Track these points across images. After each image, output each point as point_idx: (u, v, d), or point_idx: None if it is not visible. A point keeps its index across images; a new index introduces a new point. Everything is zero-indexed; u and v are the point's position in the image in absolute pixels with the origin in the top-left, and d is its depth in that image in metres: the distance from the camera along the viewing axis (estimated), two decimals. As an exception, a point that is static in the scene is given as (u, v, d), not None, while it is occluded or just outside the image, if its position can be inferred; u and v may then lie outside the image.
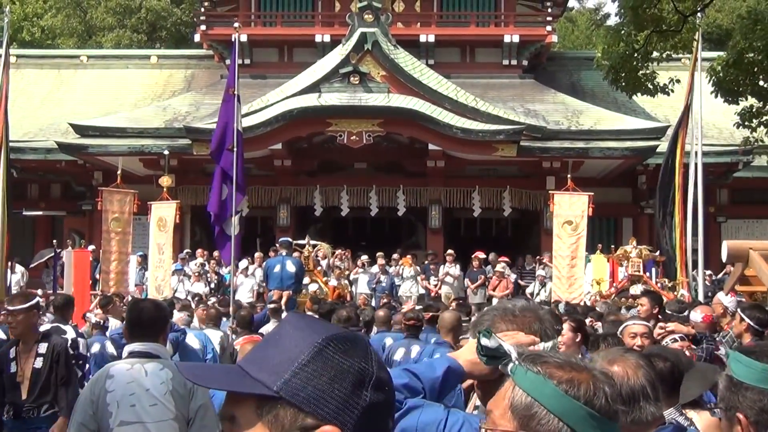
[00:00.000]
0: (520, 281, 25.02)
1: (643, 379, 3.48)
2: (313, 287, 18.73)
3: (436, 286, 24.31)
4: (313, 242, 19.37)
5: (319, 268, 20.06)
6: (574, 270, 21.94)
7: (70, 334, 11.73)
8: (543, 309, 3.33)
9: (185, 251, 25.90)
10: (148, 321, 5.50)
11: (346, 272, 22.96)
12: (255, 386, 1.79)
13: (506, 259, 25.09)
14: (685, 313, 10.30)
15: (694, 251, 18.66)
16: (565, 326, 8.88)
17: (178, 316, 14.54)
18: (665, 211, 19.05)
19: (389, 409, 1.85)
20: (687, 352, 6.89)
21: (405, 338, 10.36)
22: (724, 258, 13.96)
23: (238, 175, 14.53)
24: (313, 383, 1.76)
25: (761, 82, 18.45)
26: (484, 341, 3.16)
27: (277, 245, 21.52)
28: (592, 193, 22.83)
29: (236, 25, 16.23)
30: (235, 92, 14.65)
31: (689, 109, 18.68)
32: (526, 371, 2.08)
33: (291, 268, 18.25)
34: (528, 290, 24.00)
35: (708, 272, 22.66)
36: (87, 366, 12.12)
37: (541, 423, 2.02)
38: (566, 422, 2.01)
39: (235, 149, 14.33)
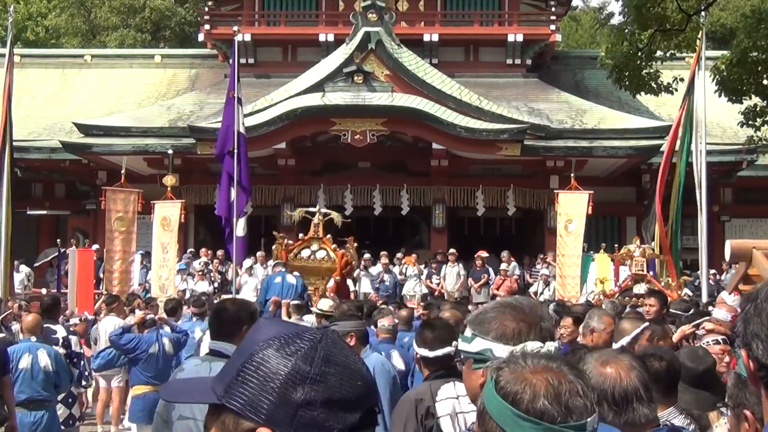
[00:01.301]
0: (529, 279, 25.02)
1: (636, 381, 3.48)
2: (321, 254, 18.49)
3: (438, 285, 24.34)
4: (324, 210, 19.13)
5: (328, 236, 19.76)
6: (572, 269, 22.00)
7: (61, 332, 11.81)
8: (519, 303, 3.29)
9: (189, 250, 25.94)
10: (226, 321, 5.56)
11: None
12: (208, 396, 1.84)
13: (513, 258, 25.22)
14: (690, 312, 10.30)
15: (695, 250, 18.69)
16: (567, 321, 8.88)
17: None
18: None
19: (334, 404, 1.79)
20: (727, 358, 6.78)
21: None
22: (727, 257, 13.97)
23: (243, 178, 14.56)
24: (246, 387, 1.79)
25: (765, 81, 18.48)
26: (464, 345, 3.17)
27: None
28: (592, 192, 22.85)
29: (236, 28, 16.18)
30: (236, 95, 14.67)
31: (688, 107, 18.67)
32: (489, 376, 2.11)
33: (291, 280, 18.18)
34: (531, 289, 24.00)
35: (712, 271, 22.66)
36: (82, 363, 12.15)
37: (486, 424, 2.06)
38: (498, 422, 2.02)
39: (236, 151, 14.35)
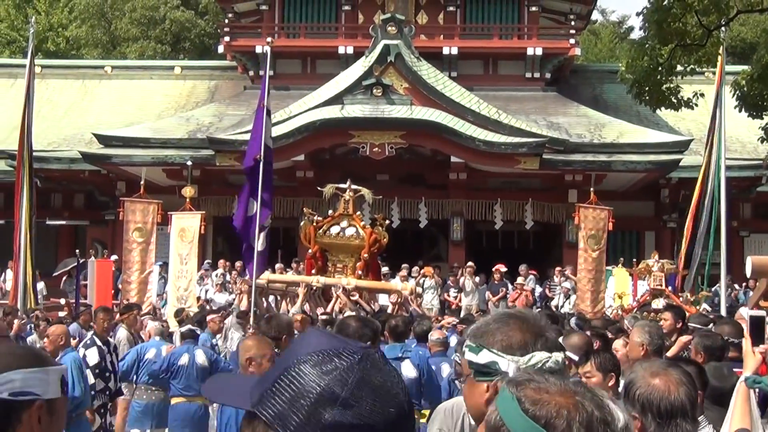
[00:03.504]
0: (548, 293, 24.94)
1: (683, 396, 3.46)
2: (350, 231, 18.23)
3: (456, 298, 24.31)
4: (354, 187, 18.78)
5: (358, 213, 19.40)
6: (598, 284, 21.93)
7: (113, 340, 12.02)
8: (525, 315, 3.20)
9: (206, 261, 25.98)
10: (350, 337, 5.56)
11: None
12: (244, 401, 1.85)
13: (534, 272, 25.16)
14: (709, 326, 10.26)
15: (716, 265, 18.60)
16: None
17: (151, 326, 14.61)
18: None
19: (361, 429, 1.78)
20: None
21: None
22: (748, 273, 13.90)
23: (265, 191, 14.47)
24: (278, 399, 1.79)
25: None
26: (471, 356, 3.08)
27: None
28: (612, 208, 22.82)
29: (269, 39, 16.08)
30: (265, 105, 14.60)
31: (715, 122, 18.63)
32: (505, 390, 2.03)
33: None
34: (553, 303, 23.95)
35: (736, 287, 22.54)
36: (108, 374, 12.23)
37: None
38: None
39: (261, 161, 14.26)
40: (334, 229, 18.08)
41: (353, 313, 13.36)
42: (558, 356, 2.96)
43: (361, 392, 1.79)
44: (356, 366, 1.82)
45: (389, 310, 16.65)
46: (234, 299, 22.66)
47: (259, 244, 14.30)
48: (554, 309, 22.22)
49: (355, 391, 1.79)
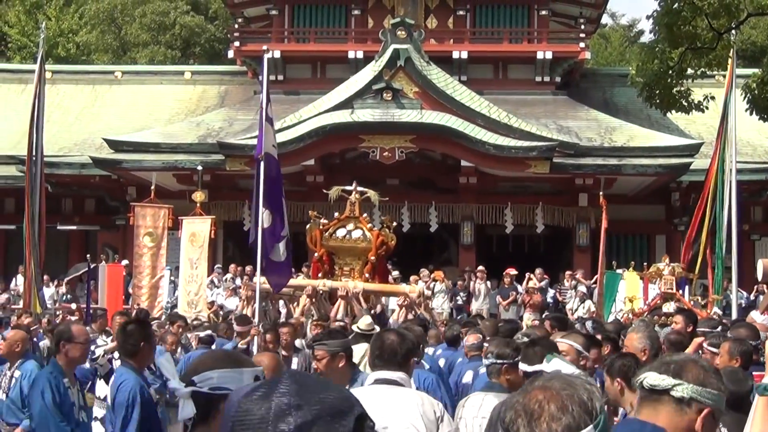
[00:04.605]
0: (558, 297, 24.88)
1: None
2: (356, 234, 18.11)
3: (465, 302, 24.29)
4: (361, 189, 18.63)
5: (365, 215, 19.26)
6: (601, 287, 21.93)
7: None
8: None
9: (216, 266, 25.98)
10: (392, 351, 5.56)
11: None
12: None
13: (547, 276, 25.10)
14: (718, 329, 10.26)
15: (728, 269, 18.56)
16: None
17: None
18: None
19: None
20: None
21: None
22: (759, 277, 13.88)
23: (279, 201, 14.30)
24: None
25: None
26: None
27: None
28: (604, 213, 22.83)
29: (264, 47, 15.95)
30: (264, 109, 14.41)
31: (723, 126, 18.61)
32: None
33: None
34: (568, 306, 23.88)
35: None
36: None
37: None
38: None
39: (262, 171, 14.09)
40: (341, 232, 17.97)
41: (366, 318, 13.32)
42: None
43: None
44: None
45: (396, 313, 16.61)
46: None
47: (281, 254, 14.11)
48: (569, 312, 22.16)
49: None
